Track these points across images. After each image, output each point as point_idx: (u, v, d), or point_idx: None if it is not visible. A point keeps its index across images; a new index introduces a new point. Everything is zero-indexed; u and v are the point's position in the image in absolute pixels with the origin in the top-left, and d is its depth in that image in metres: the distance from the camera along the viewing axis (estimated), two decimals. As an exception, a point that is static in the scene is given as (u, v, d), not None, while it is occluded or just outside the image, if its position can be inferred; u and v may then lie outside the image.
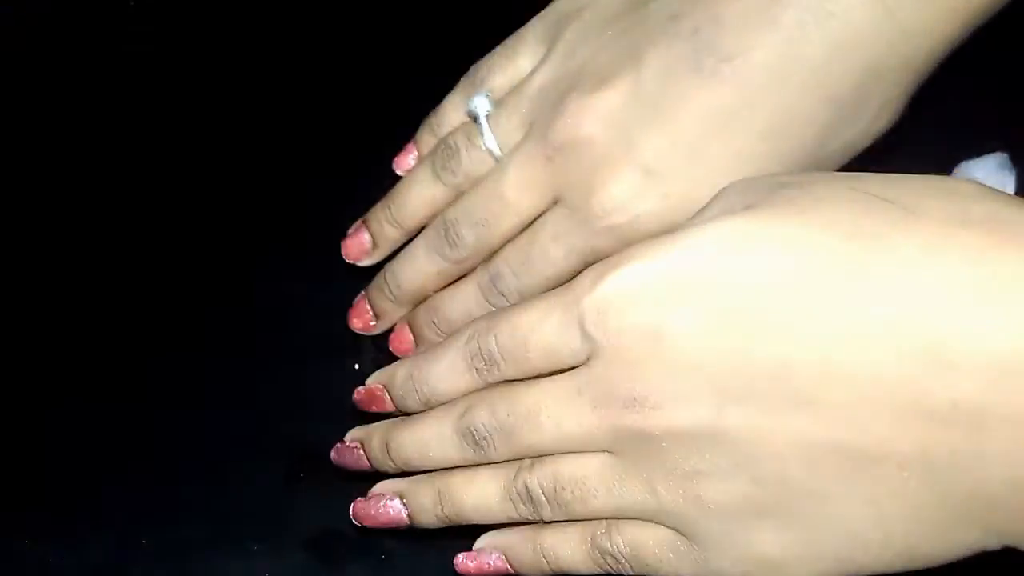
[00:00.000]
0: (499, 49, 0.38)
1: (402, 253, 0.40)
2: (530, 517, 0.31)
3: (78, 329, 0.47)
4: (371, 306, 0.40)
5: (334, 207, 0.53)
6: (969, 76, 0.58)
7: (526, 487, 0.31)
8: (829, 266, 0.25)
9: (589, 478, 0.29)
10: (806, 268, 0.25)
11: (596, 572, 0.31)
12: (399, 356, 0.41)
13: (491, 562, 0.33)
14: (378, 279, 0.40)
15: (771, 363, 0.25)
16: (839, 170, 0.34)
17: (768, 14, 0.30)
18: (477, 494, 0.32)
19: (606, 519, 0.30)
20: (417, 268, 0.39)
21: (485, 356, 0.30)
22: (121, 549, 0.39)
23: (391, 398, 0.35)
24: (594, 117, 0.33)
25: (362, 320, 0.40)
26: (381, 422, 0.36)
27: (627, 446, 0.28)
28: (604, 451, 0.29)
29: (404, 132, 0.49)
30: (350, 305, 0.44)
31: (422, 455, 0.33)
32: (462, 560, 0.34)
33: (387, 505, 0.35)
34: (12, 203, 0.53)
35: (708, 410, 0.26)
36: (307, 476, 0.42)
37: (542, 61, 0.36)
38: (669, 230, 0.29)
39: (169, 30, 0.62)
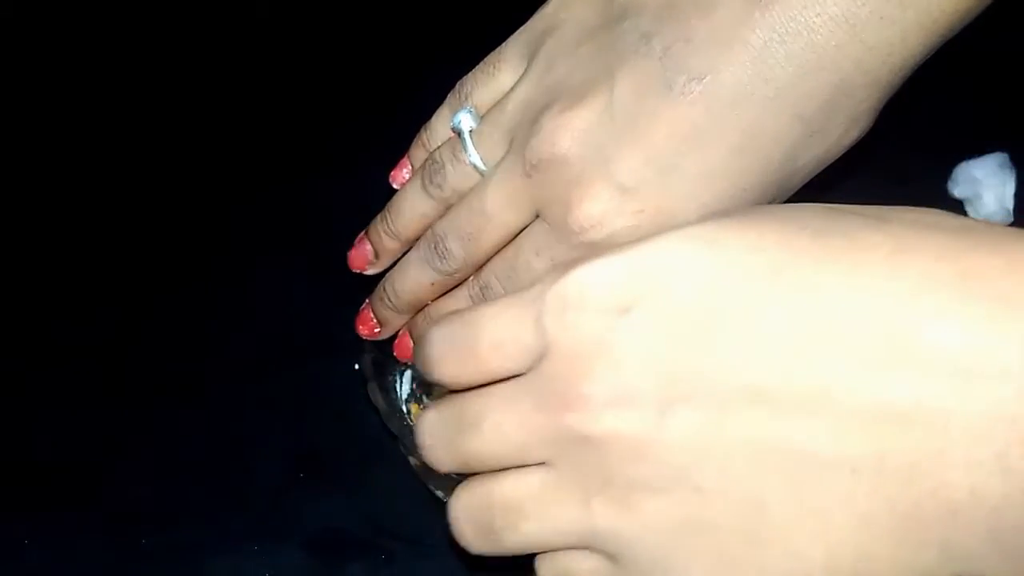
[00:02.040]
0: (482, 65, 0.39)
1: (398, 265, 0.40)
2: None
3: (78, 329, 0.47)
4: (374, 314, 0.41)
5: (334, 207, 0.53)
6: (969, 76, 0.58)
7: (452, 519, 0.29)
8: (792, 263, 0.24)
9: (523, 501, 0.28)
10: (767, 264, 0.25)
11: None
12: (402, 360, 0.42)
13: None
14: (378, 289, 0.41)
15: (724, 361, 0.24)
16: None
17: (736, 34, 0.31)
18: None
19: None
20: (412, 279, 0.39)
21: (441, 351, 0.29)
22: (121, 549, 0.39)
23: None
24: (568, 135, 0.33)
25: (367, 327, 0.41)
26: None
27: (566, 452, 0.27)
28: (543, 464, 0.27)
29: (404, 133, 0.49)
30: (350, 305, 0.44)
31: None
32: None
33: None
34: (13, 203, 0.53)
35: (654, 413, 0.25)
36: (307, 476, 0.42)
37: (521, 77, 0.36)
38: None
39: (171, 31, 0.62)
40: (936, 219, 0.24)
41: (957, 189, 0.52)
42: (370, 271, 0.41)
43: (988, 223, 0.25)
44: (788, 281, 0.24)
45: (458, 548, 0.29)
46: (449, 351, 0.29)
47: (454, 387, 0.29)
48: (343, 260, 0.43)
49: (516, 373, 0.28)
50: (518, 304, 0.28)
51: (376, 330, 0.41)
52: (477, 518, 0.28)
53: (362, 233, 0.42)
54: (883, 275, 0.23)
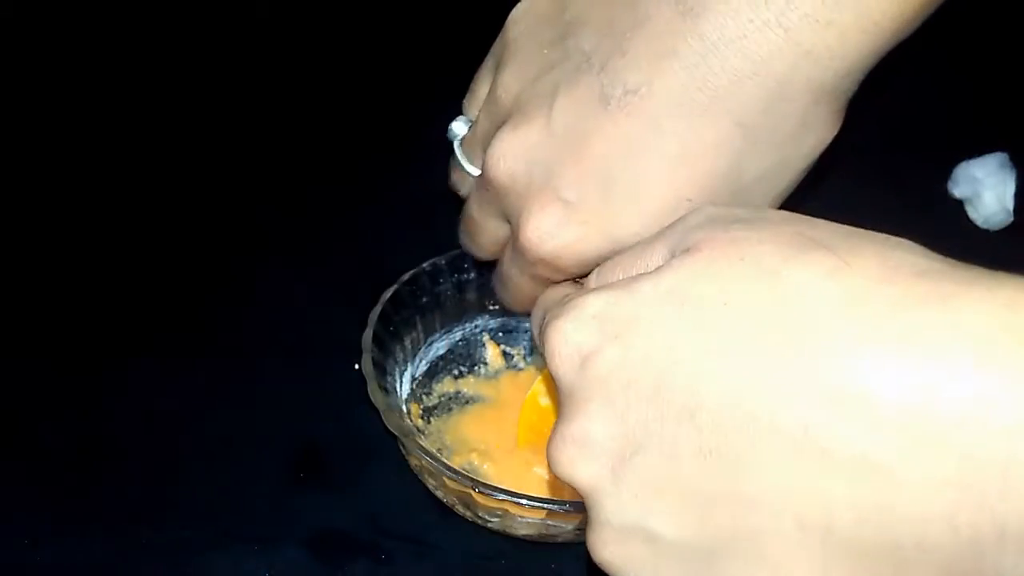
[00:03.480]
0: (477, 74, 0.40)
1: None
2: None
3: (78, 329, 0.47)
4: None
5: (334, 208, 0.53)
6: (969, 76, 0.58)
7: None
8: (749, 313, 0.24)
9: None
10: (727, 314, 0.24)
11: None
12: None
13: None
14: None
15: (678, 406, 0.25)
16: (797, 190, 0.35)
17: (668, 46, 0.31)
18: None
19: None
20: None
21: None
22: (121, 549, 0.39)
23: None
24: (512, 155, 0.34)
25: None
26: None
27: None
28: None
29: (404, 134, 0.49)
30: (350, 305, 0.44)
31: None
32: None
33: None
34: (14, 203, 0.53)
35: (607, 463, 0.26)
36: (307, 476, 0.42)
37: (487, 94, 0.37)
38: (596, 253, 0.33)
39: (171, 32, 0.62)
40: (896, 265, 0.24)
41: (957, 189, 0.52)
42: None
43: (950, 263, 0.24)
44: (737, 332, 0.24)
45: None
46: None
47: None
48: (343, 260, 0.43)
49: None
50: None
51: None
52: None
53: None
54: (836, 327, 0.23)
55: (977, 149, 0.51)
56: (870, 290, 0.23)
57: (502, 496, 0.36)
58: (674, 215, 0.32)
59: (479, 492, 0.37)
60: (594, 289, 0.28)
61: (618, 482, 0.26)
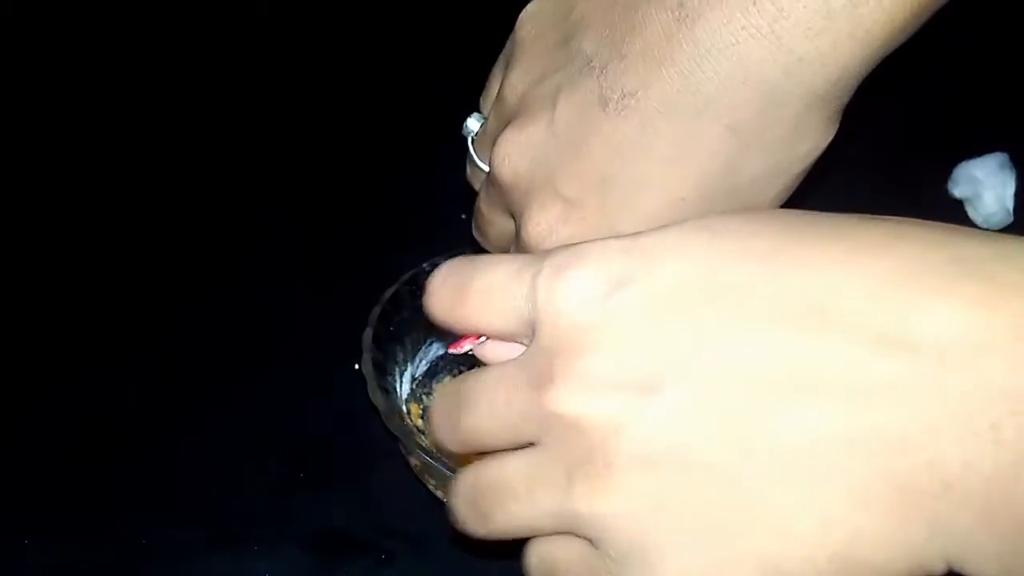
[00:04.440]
0: (491, 72, 0.41)
1: None
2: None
3: (79, 330, 0.47)
4: None
5: (334, 208, 0.53)
6: (969, 76, 0.58)
7: (449, 506, 0.30)
8: (787, 247, 0.25)
9: (512, 481, 0.28)
10: (763, 247, 0.25)
11: None
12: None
13: None
14: None
15: (715, 338, 0.25)
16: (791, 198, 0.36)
17: (664, 51, 0.32)
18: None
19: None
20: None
21: (439, 283, 0.30)
22: (121, 549, 0.39)
23: None
24: (518, 153, 0.35)
25: None
26: None
27: (552, 432, 0.27)
28: (532, 444, 0.27)
29: (404, 134, 0.49)
30: (351, 305, 0.44)
31: None
32: None
33: None
34: (14, 204, 0.53)
35: (639, 392, 0.25)
36: (307, 476, 0.42)
37: (497, 93, 0.38)
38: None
39: (170, 33, 0.62)
40: (927, 222, 0.25)
41: (957, 189, 0.52)
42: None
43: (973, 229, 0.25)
44: (783, 261, 0.25)
45: (459, 535, 0.29)
46: (443, 284, 0.30)
47: (440, 324, 0.30)
48: (343, 260, 0.43)
49: (501, 334, 0.29)
50: (518, 261, 0.28)
51: None
52: (471, 497, 0.29)
53: None
54: (877, 257, 0.24)
55: (977, 149, 0.51)
56: (909, 230, 0.25)
57: (502, 496, 0.36)
58: (669, 214, 0.33)
59: (479, 492, 0.37)
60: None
61: (648, 410, 0.25)
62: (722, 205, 0.34)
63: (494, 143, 0.36)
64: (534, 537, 0.28)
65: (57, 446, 0.43)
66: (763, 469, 0.24)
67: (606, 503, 0.26)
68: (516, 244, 0.37)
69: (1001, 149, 0.51)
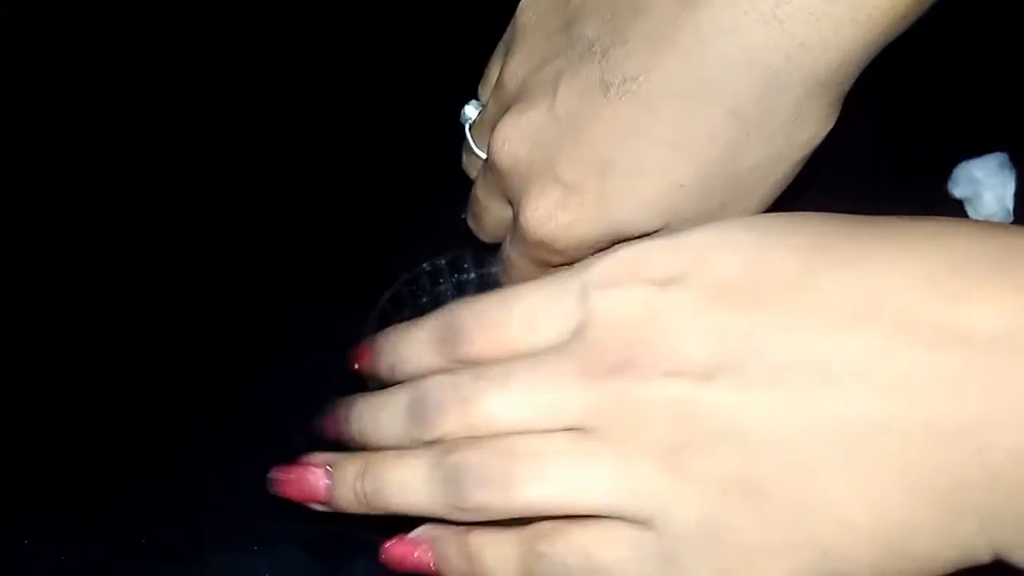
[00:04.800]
0: (490, 59, 0.40)
1: None
2: (453, 511, 0.28)
3: (79, 330, 0.47)
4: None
5: (334, 207, 0.53)
6: (969, 76, 0.58)
7: (456, 465, 0.28)
8: (835, 242, 0.25)
9: (550, 455, 0.27)
10: (811, 243, 0.26)
11: None
12: None
13: (417, 553, 0.31)
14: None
15: (773, 328, 0.25)
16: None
17: (666, 35, 0.32)
18: (402, 468, 0.30)
19: (550, 520, 0.27)
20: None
21: (453, 330, 0.30)
22: (121, 549, 0.39)
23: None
24: (517, 137, 0.35)
25: None
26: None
27: (608, 416, 0.27)
28: (569, 429, 0.27)
29: (404, 134, 0.49)
30: (351, 304, 0.44)
31: (374, 427, 0.32)
32: (389, 545, 0.31)
33: (310, 471, 0.33)
34: (14, 204, 0.53)
35: (703, 377, 0.26)
36: (307, 476, 0.42)
37: (496, 79, 0.38)
38: (593, 236, 0.34)
39: (171, 33, 0.62)
40: (969, 220, 0.26)
41: (957, 189, 0.52)
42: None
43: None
44: (832, 256, 0.25)
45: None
46: (478, 325, 0.30)
47: (480, 361, 0.29)
48: (343, 260, 0.43)
49: (542, 349, 0.28)
50: (551, 284, 0.29)
51: None
52: (495, 465, 0.28)
53: None
54: (926, 250, 0.24)
55: (977, 149, 0.51)
56: (953, 224, 0.25)
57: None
58: (669, 200, 0.33)
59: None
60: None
61: (714, 394, 0.26)
62: (721, 192, 0.34)
63: (493, 129, 0.36)
64: (555, 528, 0.28)
65: (57, 446, 0.43)
66: (824, 457, 0.24)
67: (670, 481, 0.26)
68: (513, 231, 0.37)
69: (1001, 149, 0.51)
